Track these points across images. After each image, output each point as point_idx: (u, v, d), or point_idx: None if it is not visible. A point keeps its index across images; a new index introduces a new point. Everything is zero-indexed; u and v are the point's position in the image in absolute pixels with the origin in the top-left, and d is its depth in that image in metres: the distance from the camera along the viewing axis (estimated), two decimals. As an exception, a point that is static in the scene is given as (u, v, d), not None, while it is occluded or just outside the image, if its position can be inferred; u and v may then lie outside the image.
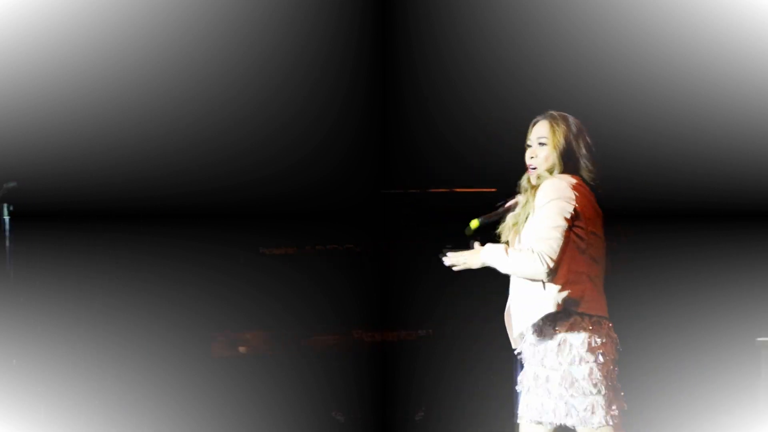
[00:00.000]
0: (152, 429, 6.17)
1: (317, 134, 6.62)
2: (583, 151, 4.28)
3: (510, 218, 4.32)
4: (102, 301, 6.15)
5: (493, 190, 5.59)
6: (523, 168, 4.36)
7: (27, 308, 4.87)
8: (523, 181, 4.35)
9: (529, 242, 4.15)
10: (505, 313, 4.35)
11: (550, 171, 4.26)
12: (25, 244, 4.96)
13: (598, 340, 4.15)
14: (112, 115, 6.23)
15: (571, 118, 4.33)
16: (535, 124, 4.36)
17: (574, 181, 4.22)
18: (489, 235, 4.37)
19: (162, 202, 5.75)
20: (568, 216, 4.13)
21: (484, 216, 4.36)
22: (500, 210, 4.40)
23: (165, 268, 6.22)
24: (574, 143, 4.27)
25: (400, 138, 6.86)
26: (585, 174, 4.26)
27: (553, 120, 4.31)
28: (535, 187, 4.24)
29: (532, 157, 4.31)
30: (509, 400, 6.83)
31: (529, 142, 4.35)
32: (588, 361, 4.12)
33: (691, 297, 6.40)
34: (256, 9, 6.37)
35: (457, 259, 4.30)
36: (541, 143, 4.30)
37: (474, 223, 4.32)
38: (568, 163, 4.26)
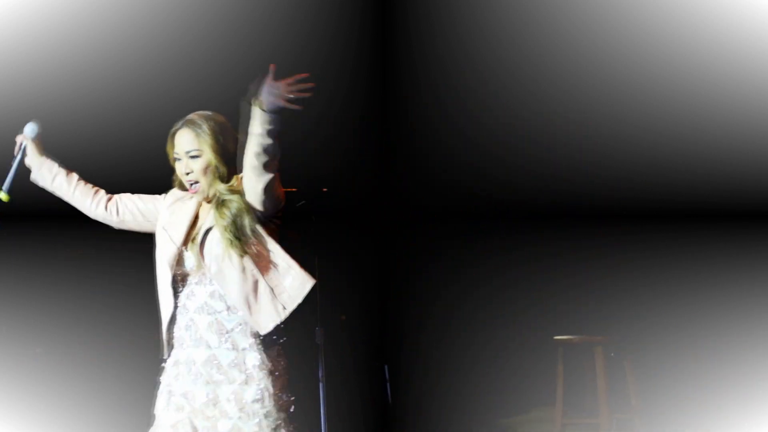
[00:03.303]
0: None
1: (317, 134, 6.62)
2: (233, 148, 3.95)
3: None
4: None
5: (293, 189, 5.50)
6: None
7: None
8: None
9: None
10: None
11: (221, 177, 3.92)
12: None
13: None
14: (112, 115, 6.23)
15: (210, 115, 3.98)
16: (174, 135, 3.95)
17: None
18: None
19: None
20: None
21: (6, 185, 3.99)
22: (19, 166, 4.02)
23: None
24: (225, 144, 3.93)
25: (400, 138, 6.87)
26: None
27: (193, 125, 3.94)
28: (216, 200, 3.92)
29: (187, 173, 3.94)
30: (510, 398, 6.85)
31: (176, 155, 3.95)
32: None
33: (682, 297, 6.41)
34: (256, 9, 6.37)
35: None
36: (193, 156, 3.93)
37: (3, 196, 3.97)
38: (229, 163, 3.94)
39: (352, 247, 6.55)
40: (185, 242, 3.95)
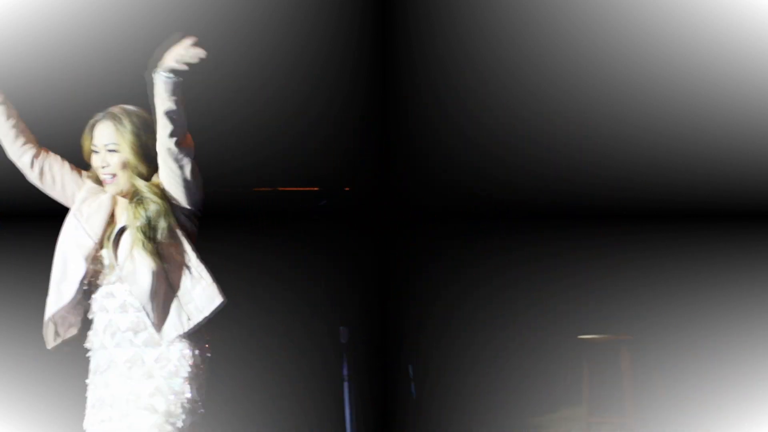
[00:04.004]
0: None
1: (317, 134, 6.62)
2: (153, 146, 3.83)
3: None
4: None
5: (314, 189, 5.47)
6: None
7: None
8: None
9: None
10: None
11: (138, 173, 3.84)
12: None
13: None
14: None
15: (133, 110, 3.88)
16: (94, 126, 3.86)
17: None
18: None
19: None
20: None
21: None
22: None
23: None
24: (147, 141, 3.82)
25: (400, 138, 6.86)
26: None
27: (114, 119, 3.85)
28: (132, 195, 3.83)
29: (104, 167, 3.84)
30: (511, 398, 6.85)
31: (94, 148, 3.86)
32: None
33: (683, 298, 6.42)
34: (255, 9, 6.37)
35: None
36: (111, 149, 3.83)
37: None
38: (148, 163, 3.84)
39: (352, 247, 6.55)
40: (101, 240, 3.86)
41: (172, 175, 3.79)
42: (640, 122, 6.49)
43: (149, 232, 3.77)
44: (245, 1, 6.37)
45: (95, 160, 3.87)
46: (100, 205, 3.91)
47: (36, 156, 3.92)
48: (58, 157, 3.98)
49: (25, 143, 3.92)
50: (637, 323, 6.45)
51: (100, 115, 3.87)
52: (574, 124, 6.61)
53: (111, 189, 3.87)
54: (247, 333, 6.35)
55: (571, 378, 6.60)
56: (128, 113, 3.87)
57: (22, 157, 3.91)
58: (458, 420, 6.70)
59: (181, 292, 3.81)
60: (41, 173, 3.94)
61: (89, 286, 3.87)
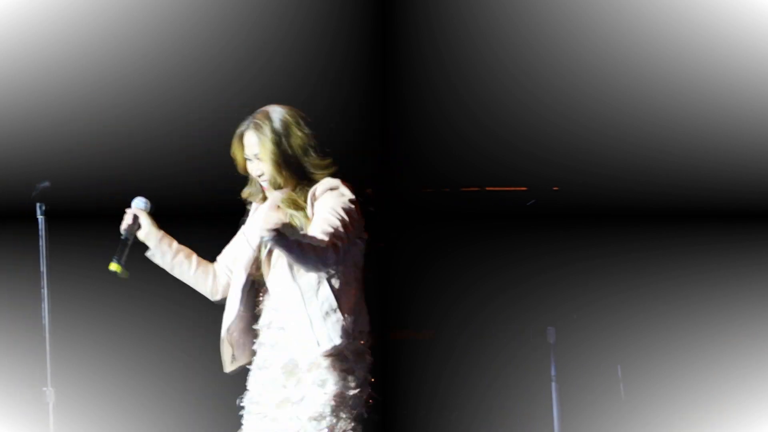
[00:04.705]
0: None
1: (317, 134, 6.60)
2: (300, 150, 3.78)
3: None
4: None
5: (524, 189, 5.44)
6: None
7: (60, 308, 4.86)
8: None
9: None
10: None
11: (276, 186, 3.78)
12: (60, 244, 4.90)
13: None
14: (108, 118, 6.24)
15: (276, 114, 3.80)
16: (242, 136, 3.81)
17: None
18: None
19: (168, 202, 5.73)
20: None
21: (116, 257, 3.81)
22: (128, 240, 3.85)
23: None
24: (287, 148, 3.76)
25: (402, 137, 6.86)
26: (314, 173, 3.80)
27: (257, 128, 3.77)
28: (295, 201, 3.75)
29: (259, 175, 3.82)
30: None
31: (247, 156, 3.83)
32: None
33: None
34: (255, 9, 6.37)
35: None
36: (255, 157, 3.80)
37: (114, 267, 3.80)
38: (293, 171, 3.77)
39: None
40: (259, 249, 3.80)
41: None
42: (641, 122, 6.49)
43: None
44: (245, 1, 6.37)
45: (251, 169, 3.81)
46: (259, 213, 3.85)
47: (218, 280, 3.92)
48: (221, 258, 3.96)
49: (213, 283, 3.91)
50: (637, 323, 6.44)
51: (245, 124, 3.81)
52: (574, 125, 6.61)
53: (275, 195, 3.80)
54: (455, 332, 6.30)
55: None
56: (270, 119, 3.78)
57: (217, 297, 3.93)
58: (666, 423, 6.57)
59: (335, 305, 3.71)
60: (225, 284, 3.91)
61: (259, 294, 3.78)
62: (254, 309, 3.85)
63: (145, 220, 3.91)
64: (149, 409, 6.24)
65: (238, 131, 3.82)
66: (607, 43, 6.47)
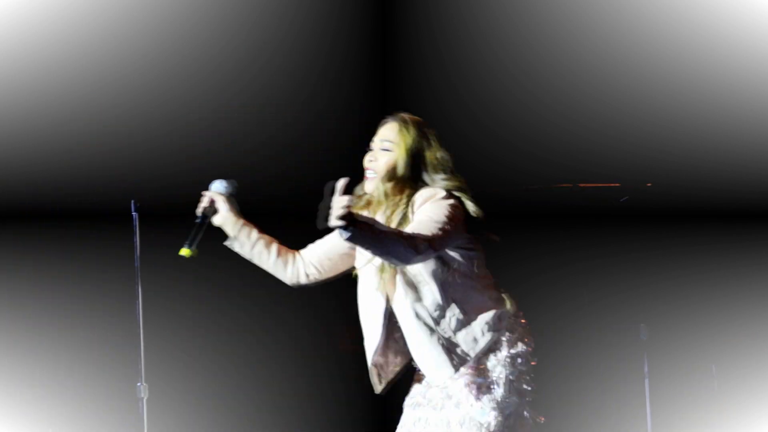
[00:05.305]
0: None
1: (317, 134, 6.61)
2: (430, 165, 3.70)
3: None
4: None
5: (617, 185, 5.40)
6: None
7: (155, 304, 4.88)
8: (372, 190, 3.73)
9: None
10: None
11: (389, 180, 3.67)
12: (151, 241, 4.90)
13: None
14: (109, 117, 6.23)
15: (426, 126, 3.78)
16: (383, 125, 3.77)
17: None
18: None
19: (166, 201, 5.73)
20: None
21: (188, 241, 3.72)
22: (203, 225, 3.76)
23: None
24: (423, 153, 3.70)
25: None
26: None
27: (403, 123, 3.74)
28: (395, 196, 3.66)
29: (371, 161, 3.72)
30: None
31: (372, 145, 3.76)
32: None
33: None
34: (255, 9, 6.36)
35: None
36: (385, 148, 3.70)
37: (184, 251, 3.72)
38: (411, 174, 3.68)
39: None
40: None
41: None
42: (642, 122, 6.49)
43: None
44: (245, 1, 6.37)
45: (367, 157, 3.73)
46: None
47: (300, 264, 3.83)
48: (308, 247, 3.86)
49: (293, 269, 3.82)
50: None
51: (391, 117, 3.76)
52: (575, 125, 6.60)
53: (367, 186, 3.70)
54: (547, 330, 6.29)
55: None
56: (417, 123, 3.75)
57: (299, 280, 3.82)
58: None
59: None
60: (318, 270, 3.83)
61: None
62: (394, 333, 3.72)
63: (222, 205, 3.81)
64: (243, 405, 6.26)
65: (383, 120, 3.77)
66: (606, 43, 6.46)
